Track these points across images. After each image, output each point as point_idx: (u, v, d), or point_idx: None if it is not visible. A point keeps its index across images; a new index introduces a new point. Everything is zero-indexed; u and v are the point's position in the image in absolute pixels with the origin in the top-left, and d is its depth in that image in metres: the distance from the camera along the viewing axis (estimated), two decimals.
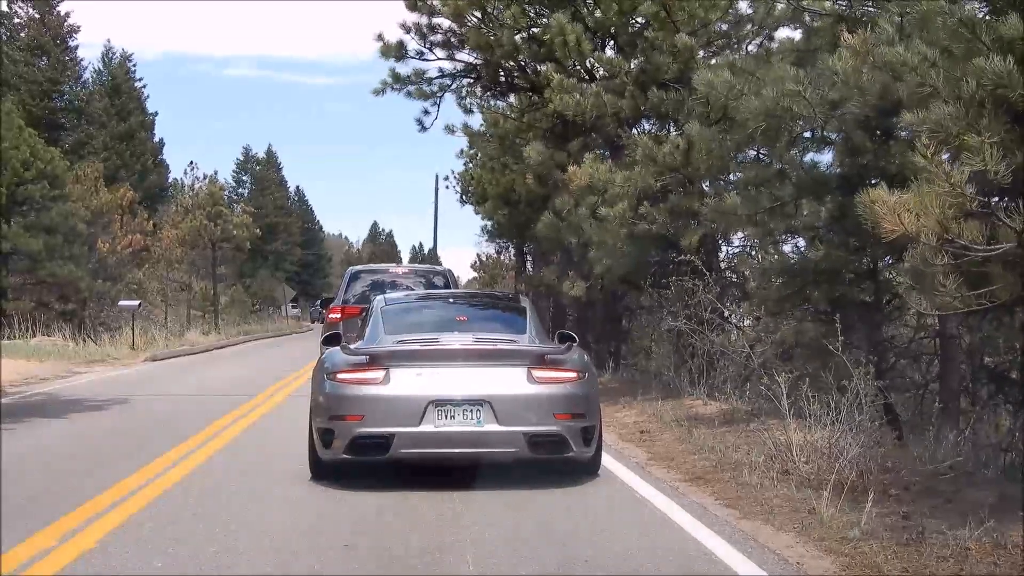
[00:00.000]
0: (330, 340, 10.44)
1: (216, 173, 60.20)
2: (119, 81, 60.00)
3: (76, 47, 56.10)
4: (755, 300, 14.01)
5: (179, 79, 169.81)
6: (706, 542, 7.24)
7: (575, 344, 9.97)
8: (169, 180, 65.82)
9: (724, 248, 19.00)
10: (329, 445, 9.10)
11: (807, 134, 13.27)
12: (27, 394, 18.37)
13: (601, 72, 20.78)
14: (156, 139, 63.33)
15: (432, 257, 61.62)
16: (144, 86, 62.85)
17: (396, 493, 8.82)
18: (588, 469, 9.63)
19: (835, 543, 7.09)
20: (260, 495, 8.89)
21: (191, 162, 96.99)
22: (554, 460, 9.28)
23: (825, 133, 12.69)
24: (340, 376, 9.14)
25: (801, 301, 13.97)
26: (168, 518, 7.93)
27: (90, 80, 58.87)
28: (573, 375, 9.27)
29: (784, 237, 13.18)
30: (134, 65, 62.46)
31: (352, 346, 9.75)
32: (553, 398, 9.07)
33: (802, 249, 13.48)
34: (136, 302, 34.12)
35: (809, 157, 13.82)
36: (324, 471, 9.37)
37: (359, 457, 9.05)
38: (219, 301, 53.53)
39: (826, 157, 13.80)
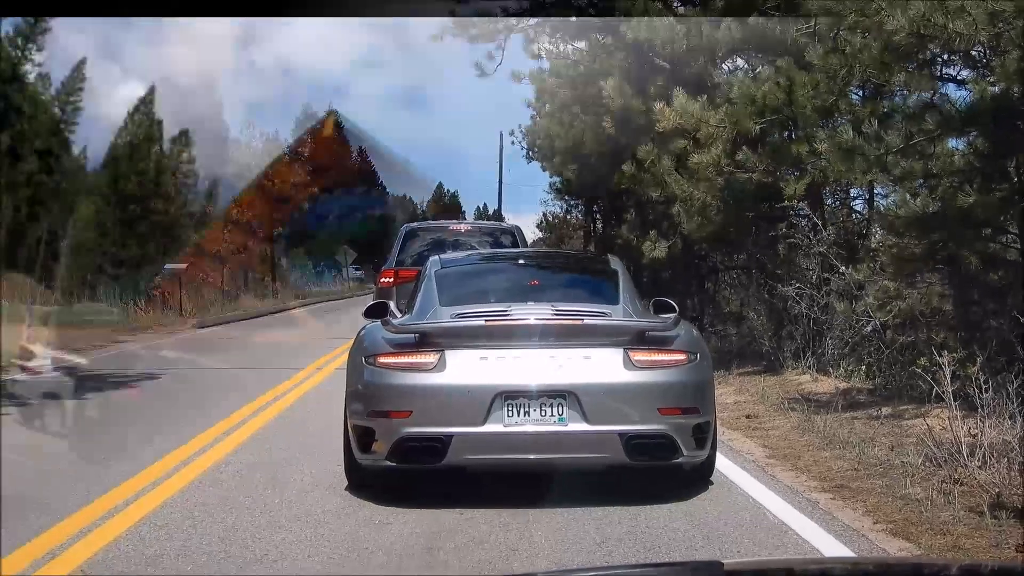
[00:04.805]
0: (374, 311, 8.23)
1: (277, 132, 58.38)
2: None
3: None
4: (882, 258, 11.77)
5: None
6: None
7: (680, 316, 7.76)
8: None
9: (828, 201, 16.68)
10: (368, 448, 7.11)
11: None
12: (47, 369, 16.50)
13: None
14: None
15: (497, 219, 59.39)
16: None
17: (454, 511, 6.83)
18: (699, 472, 7.56)
19: None
20: (277, 516, 6.89)
21: (248, 122, 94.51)
22: (658, 467, 7.22)
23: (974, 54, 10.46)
24: (382, 360, 7.13)
25: (937, 260, 11.75)
26: (150, 553, 5.98)
27: None
28: (682, 357, 7.21)
29: (921, 184, 10.90)
30: None
31: (397, 321, 7.65)
32: (657, 388, 7.04)
33: (943, 196, 11.18)
34: (183, 264, 32.28)
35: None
36: (363, 479, 7.40)
37: (406, 464, 7.05)
38: (279, 264, 51.86)
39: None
